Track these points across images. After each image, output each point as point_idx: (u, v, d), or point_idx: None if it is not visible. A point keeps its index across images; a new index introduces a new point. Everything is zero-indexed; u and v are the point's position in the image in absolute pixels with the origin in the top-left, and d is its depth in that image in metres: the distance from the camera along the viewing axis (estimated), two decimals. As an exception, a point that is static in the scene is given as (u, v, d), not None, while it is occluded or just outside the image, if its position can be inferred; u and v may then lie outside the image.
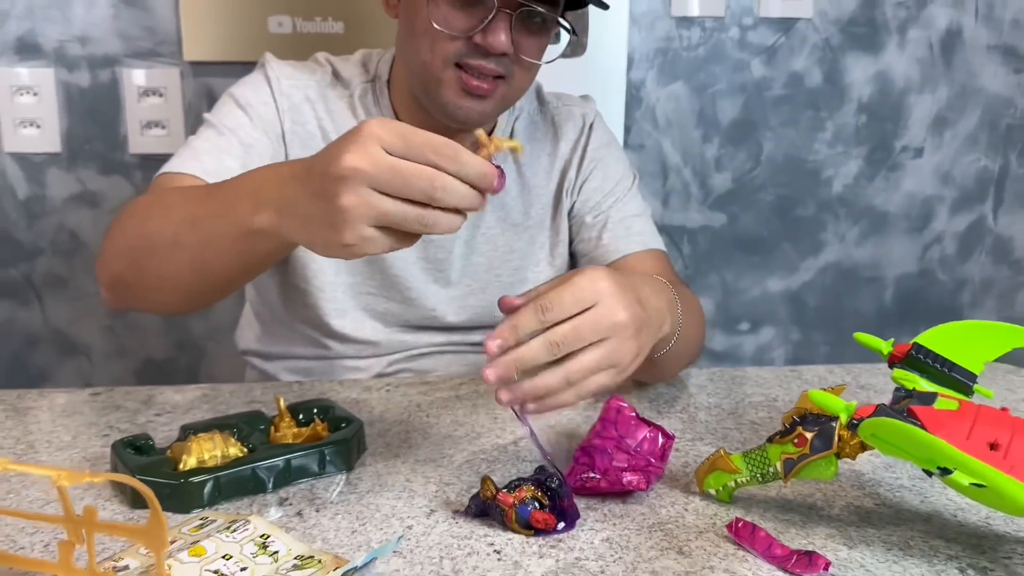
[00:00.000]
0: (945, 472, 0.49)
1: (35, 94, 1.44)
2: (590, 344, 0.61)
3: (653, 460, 0.69)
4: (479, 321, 1.02)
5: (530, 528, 0.61)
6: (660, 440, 0.70)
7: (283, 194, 0.62)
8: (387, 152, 0.56)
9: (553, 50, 0.91)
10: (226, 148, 0.88)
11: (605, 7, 0.87)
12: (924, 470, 0.55)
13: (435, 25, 0.83)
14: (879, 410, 0.51)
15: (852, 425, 0.51)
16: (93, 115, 1.47)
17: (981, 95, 1.66)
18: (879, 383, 0.96)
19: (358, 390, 0.90)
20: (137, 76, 1.46)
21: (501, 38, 0.82)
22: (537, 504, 0.62)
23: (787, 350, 1.72)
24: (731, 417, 0.85)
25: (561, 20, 0.86)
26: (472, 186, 0.58)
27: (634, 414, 0.71)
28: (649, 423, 0.70)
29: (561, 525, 0.61)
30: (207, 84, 1.47)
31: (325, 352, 1.00)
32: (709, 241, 1.65)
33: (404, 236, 0.59)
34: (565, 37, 0.91)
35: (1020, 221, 1.72)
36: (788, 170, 1.64)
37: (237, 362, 1.12)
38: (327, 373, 1.00)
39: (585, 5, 0.86)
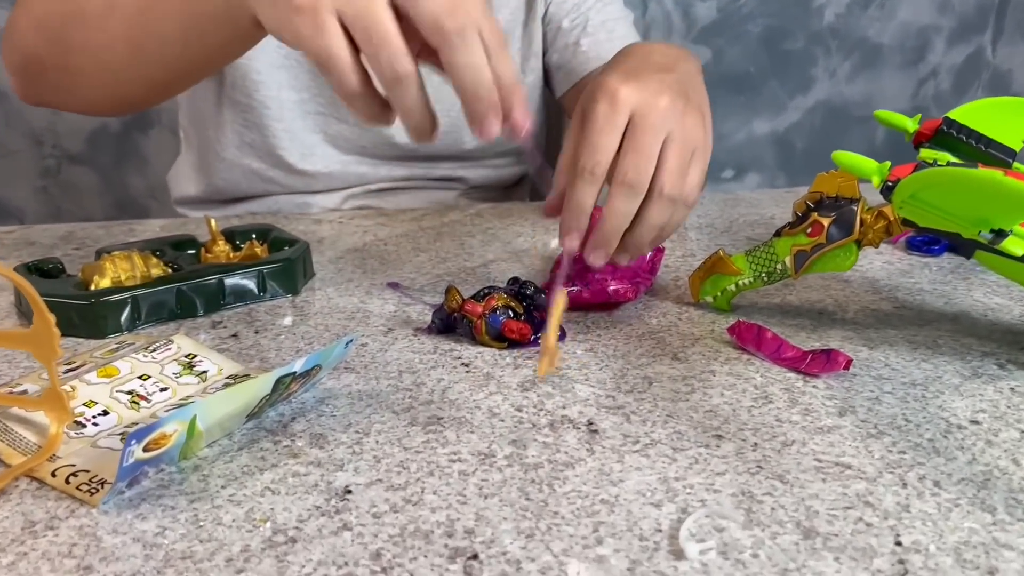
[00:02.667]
0: (999, 236, 0.40)
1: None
2: (660, 151, 0.51)
3: (641, 273, 0.61)
4: (444, 149, 0.91)
5: (503, 340, 0.52)
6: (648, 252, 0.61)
7: None
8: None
9: None
10: None
11: None
12: (963, 248, 0.46)
13: None
14: (919, 167, 0.43)
15: (887, 188, 0.43)
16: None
17: (986, -88, 1.53)
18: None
19: (307, 223, 0.80)
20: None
21: None
22: (511, 313, 0.53)
23: (772, 197, 1.64)
24: (725, 235, 0.76)
25: None
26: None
27: (620, 224, 0.62)
28: (636, 233, 0.61)
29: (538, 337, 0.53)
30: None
31: (272, 187, 0.89)
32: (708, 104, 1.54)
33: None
34: None
35: (1020, 53, 1.61)
36: (777, -2, 1.51)
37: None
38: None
39: None
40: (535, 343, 0.53)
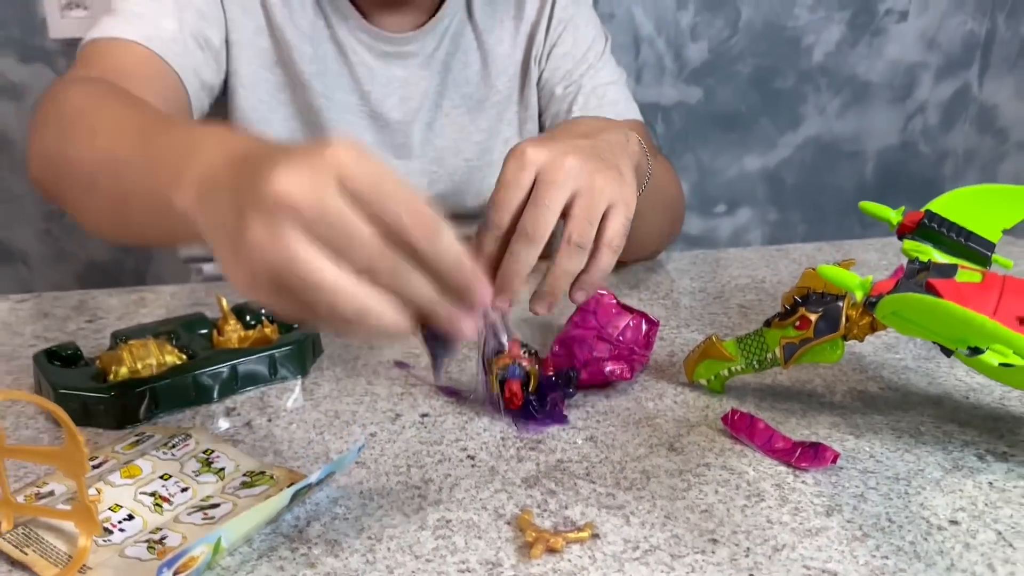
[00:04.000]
0: (975, 352, 0.43)
1: (-65, -28, 1.29)
2: (569, 205, 0.52)
3: (637, 349, 0.63)
4: (446, 209, 0.93)
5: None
6: (644, 327, 0.63)
7: (215, 177, 0.42)
8: (342, 188, 0.37)
9: None
10: (162, 11, 0.77)
11: None
12: (943, 350, 0.49)
13: None
14: (900, 285, 0.45)
15: (869, 304, 0.45)
16: (5, -4, 1.32)
17: (970, -48, 1.56)
18: (872, 259, 0.91)
19: (313, 287, 0.82)
20: (50, -51, 1.31)
21: None
22: (521, 371, 0.56)
23: (764, 231, 1.67)
24: (717, 301, 0.79)
25: None
26: (443, 283, 0.40)
27: (614, 301, 0.64)
28: (631, 310, 0.64)
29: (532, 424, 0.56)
30: (130, -44, 1.31)
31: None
32: (684, 118, 1.56)
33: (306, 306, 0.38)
34: None
35: (1006, 87, 1.65)
36: (767, 38, 1.54)
37: (190, 274, 1.03)
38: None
39: None
40: (532, 426, 0.56)
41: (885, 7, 1.56)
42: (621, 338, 0.63)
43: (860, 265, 0.88)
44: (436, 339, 0.43)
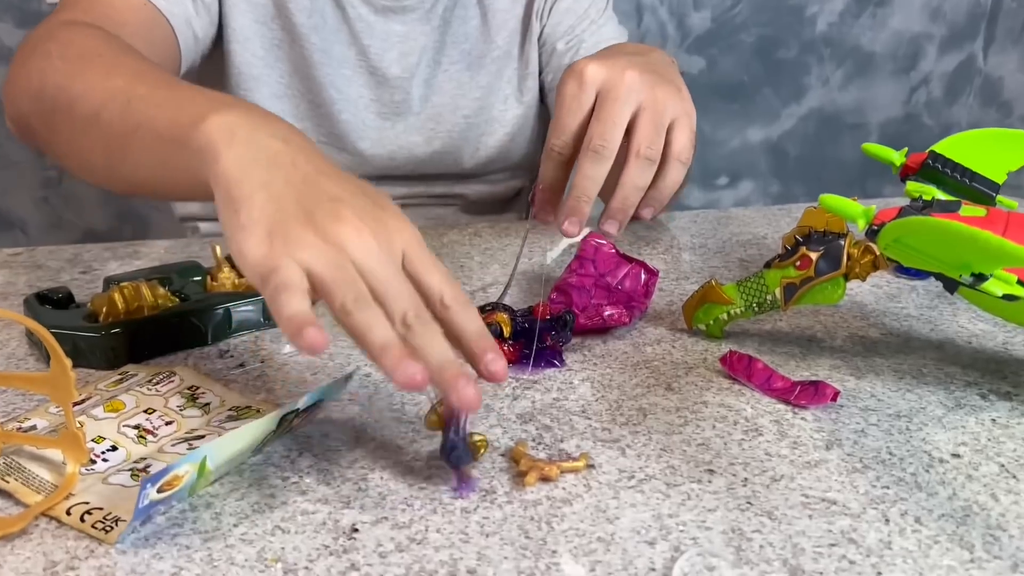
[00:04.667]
0: (979, 279, 0.42)
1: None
2: (633, 119, 0.52)
3: (636, 297, 0.62)
4: (443, 167, 0.93)
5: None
6: (643, 276, 0.63)
7: (257, 138, 0.44)
8: (398, 251, 0.42)
9: None
10: None
11: None
12: (946, 284, 0.48)
13: None
14: (903, 212, 0.44)
15: (871, 231, 0.44)
16: (1, -41, 1.31)
17: (977, -79, 1.54)
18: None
19: (309, 241, 0.82)
20: (46, -88, 1.29)
21: None
22: (500, 330, 0.55)
23: (766, 203, 1.66)
24: (718, 256, 0.78)
25: None
26: (461, 348, 0.42)
27: (614, 250, 0.64)
28: (631, 259, 0.63)
29: (529, 366, 0.55)
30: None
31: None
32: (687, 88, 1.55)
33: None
34: None
35: (1011, 60, 1.63)
36: (770, 7, 1.52)
37: (185, 234, 1.02)
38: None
39: None
40: (528, 368, 0.55)
41: (890, -23, 1.54)
42: (620, 286, 0.63)
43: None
44: (454, 450, 0.43)
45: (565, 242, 0.58)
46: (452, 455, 0.42)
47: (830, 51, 1.57)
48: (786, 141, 1.62)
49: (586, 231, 0.58)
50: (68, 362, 0.41)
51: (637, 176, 0.53)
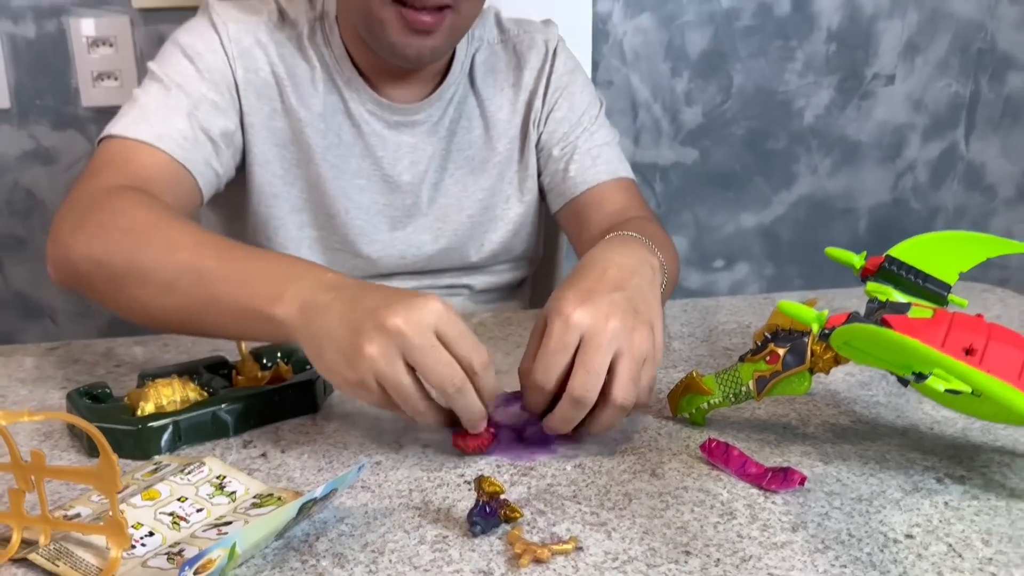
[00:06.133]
0: (920, 377, 0.48)
1: (-22, 48, 1.39)
2: (612, 364, 0.58)
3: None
4: (448, 262, 1.00)
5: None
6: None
7: (316, 299, 0.59)
8: (435, 333, 0.56)
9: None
10: (174, 106, 0.84)
11: None
12: (899, 379, 0.53)
13: None
14: (851, 318, 0.50)
15: (824, 335, 0.50)
16: (42, 68, 1.41)
17: (951, 20, 1.63)
18: (854, 305, 0.95)
19: (325, 334, 0.88)
20: (86, 26, 1.40)
21: None
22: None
23: (761, 285, 1.72)
24: (704, 344, 0.84)
25: None
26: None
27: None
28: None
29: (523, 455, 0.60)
30: (159, 32, 1.41)
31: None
32: (681, 178, 1.63)
33: (390, 401, 0.58)
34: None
35: (991, 146, 1.71)
36: (759, 102, 1.61)
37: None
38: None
39: None
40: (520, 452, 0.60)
41: (872, 71, 1.63)
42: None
43: (842, 311, 0.93)
44: (480, 519, 0.51)
45: None
46: (474, 528, 0.51)
47: (817, 141, 1.65)
48: (778, 226, 1.69)
49: None
50: (115, 458, 0.47)
51: (610, 419, 0.59)
